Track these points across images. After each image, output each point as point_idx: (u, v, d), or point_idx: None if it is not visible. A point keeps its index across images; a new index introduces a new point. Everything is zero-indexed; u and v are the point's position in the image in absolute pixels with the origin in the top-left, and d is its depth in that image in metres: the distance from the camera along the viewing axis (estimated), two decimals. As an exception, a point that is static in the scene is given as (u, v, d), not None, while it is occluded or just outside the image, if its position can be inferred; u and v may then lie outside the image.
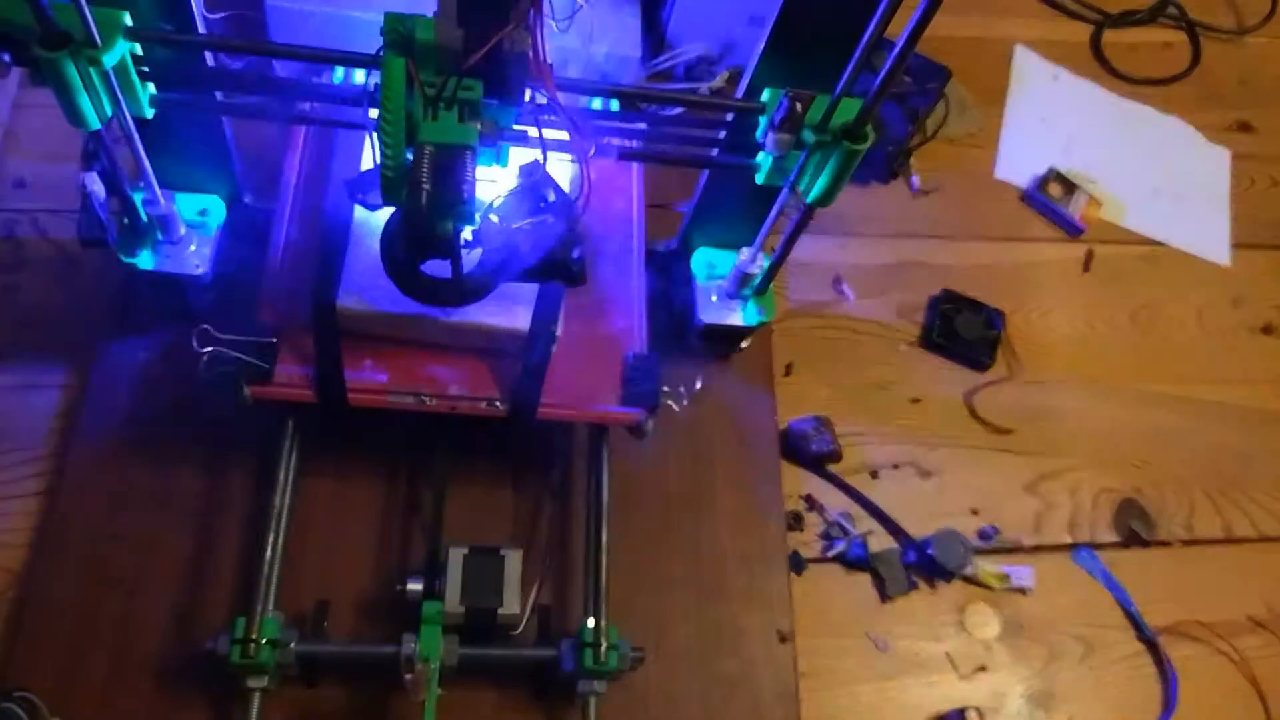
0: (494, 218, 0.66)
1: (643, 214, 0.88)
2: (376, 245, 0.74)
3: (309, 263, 0.76)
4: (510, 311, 0.74)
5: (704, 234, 0.90)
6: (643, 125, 0.71)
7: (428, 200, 0.56)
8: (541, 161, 0.65)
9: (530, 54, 0.56)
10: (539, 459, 0.88)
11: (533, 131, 0.62)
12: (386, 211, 0.75)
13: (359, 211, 0.75)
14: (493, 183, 0.66)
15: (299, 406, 0.78)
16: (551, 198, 0.66)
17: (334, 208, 0.76)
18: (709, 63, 1.12)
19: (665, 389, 0.78)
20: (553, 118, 0.61)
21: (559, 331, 0.75)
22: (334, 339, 0.73)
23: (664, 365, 0.79)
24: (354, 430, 0.83)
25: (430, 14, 0.56)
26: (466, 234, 0.67)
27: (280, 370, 0.74)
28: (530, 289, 0.74)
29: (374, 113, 0.58)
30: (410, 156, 0.57)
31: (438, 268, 0.70)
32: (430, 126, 0.56)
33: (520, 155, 0.66)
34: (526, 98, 0.60)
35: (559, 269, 0.67)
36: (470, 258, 0.69)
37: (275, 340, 0.75)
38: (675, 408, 0.79)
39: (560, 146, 0.63)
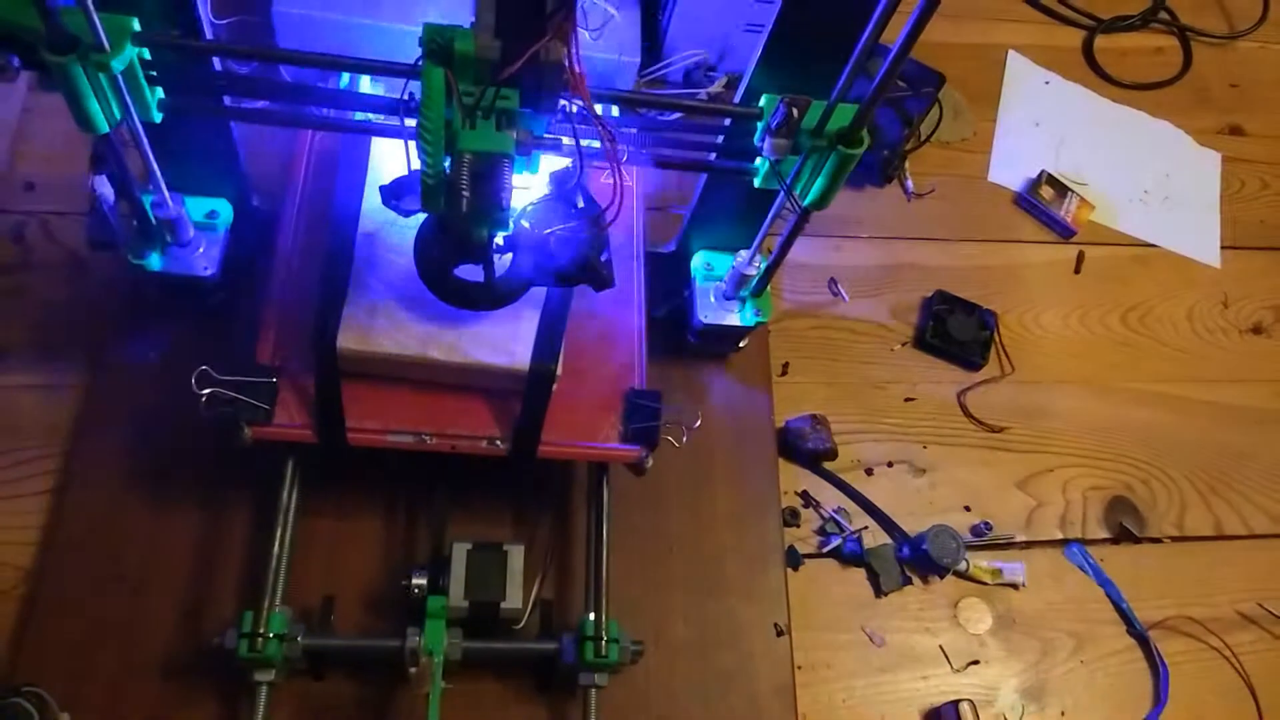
0: (525, 223, 0.67)
1: (643, 217, 0.90)
2: (378, 284, 0.75)
3: (309, 300, 0.75)
4: (510, 351, 0.75)
5: (702, 236, 0.91)
6: (657, 131, 0.72)
7: (468, 207, 0.57)
8: (575, 169, 0.66)
9: (565, 64, 0.57)
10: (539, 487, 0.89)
11: (567, 140, 0.63)
12: (391, 245, 0.76)
13: (360, 251, 0.76)
14: (525, 189, 0.67)
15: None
16: (581, 204, 0.67)
17: (335, 247, 0.76)
18: (707, 68, 1.13)
19: (666, 423, 0.79)
20: (585, 126, 0.62)
21: (559, 370, 0.75)
22: (334, 380, 0.73)
23: (663, 394, 0.80)
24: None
25: (442, 22, 0.57)
26: (498, 239, 0.68)
27: (280, 411, 0.74)
28: (529, 329, 0.75)
29: (410, 121, 0.59)
30: (448, 164, 0.58)
31: (470, 272, 0.71)
32: (469, 135, 0.57)
33: (549, 162, 0.67)
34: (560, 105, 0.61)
35: (588, 273, 0.68)
36: (501, 262, 0.70)
37: (274, 380, 0.74)
38: (676, 444, 0.79)
39: (592, 153, 0.64)
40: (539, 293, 0.76)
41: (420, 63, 0.57)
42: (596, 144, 0.63)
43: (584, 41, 0.58)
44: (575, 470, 0.88)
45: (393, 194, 0.67)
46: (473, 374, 0.76)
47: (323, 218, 0.79)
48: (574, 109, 0.62)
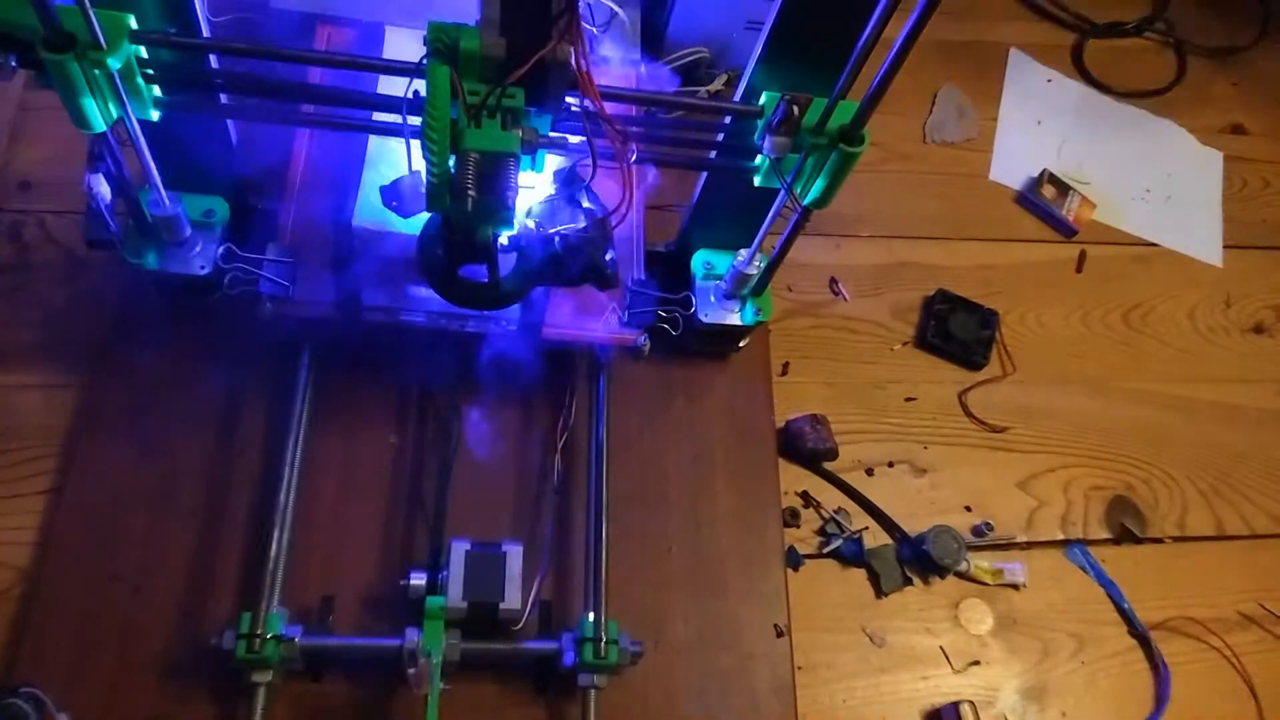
0: (530, 223, 0.67)
1: (641, 214, 0.89)
2: (390, 171, 0.77)
3: (326, 190, 0.79)
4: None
5: (702, 235, 0.91)
6: (664, 129, 0.72)
7: (474, 206, 0.57)
8: (590, 168, 0.65)
9: (571, 63, 0.57)
10: (540, 432, 0.90)
11: (573, 138, 0.63)
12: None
13: (373, 141, 0.78)
14: (530, 188, 0.67)
15: (311, 354, 0.82)
16: (586, 203, 0.67)
17: (350, 137, 0.78)
18: (707, 66, 1.13)
19: (661, 313, 0.81)
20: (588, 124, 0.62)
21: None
22: (350, 257, 0.76)
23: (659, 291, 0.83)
24: (360, 406, 0.87)
25: (440, 19, 0.57)
26: (503, 239, 0.67)
27: (299, 288, 0.77)
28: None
29: (414, 120, 0.59)
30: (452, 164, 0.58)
31: (474, 271, 0.71)
32: (474, 134, 0.57)
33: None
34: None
35: (593, 272, 0.68)
36: (505, 260, 0.70)
37: (294, 260, 0.78)
38: (672, 331, 0.82)
39: (601, 152, 0.64)
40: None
41: (424, 61, 0.57)
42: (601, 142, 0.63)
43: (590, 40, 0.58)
44: (575, 471, 0.88)
45: (392, 195, 0.67)
46: None
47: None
48: (581, 108, 0.62)
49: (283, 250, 0.79)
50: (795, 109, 0.65)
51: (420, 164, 0.62)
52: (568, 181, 0.68)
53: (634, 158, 0.64)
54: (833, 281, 1.09)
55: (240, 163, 0.83)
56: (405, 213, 0.68)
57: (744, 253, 0.85)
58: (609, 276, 0.69)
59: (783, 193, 0.72)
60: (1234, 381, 1.13)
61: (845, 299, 1.09)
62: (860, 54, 0.60)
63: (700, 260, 0.91)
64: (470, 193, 0.57)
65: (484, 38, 0.56)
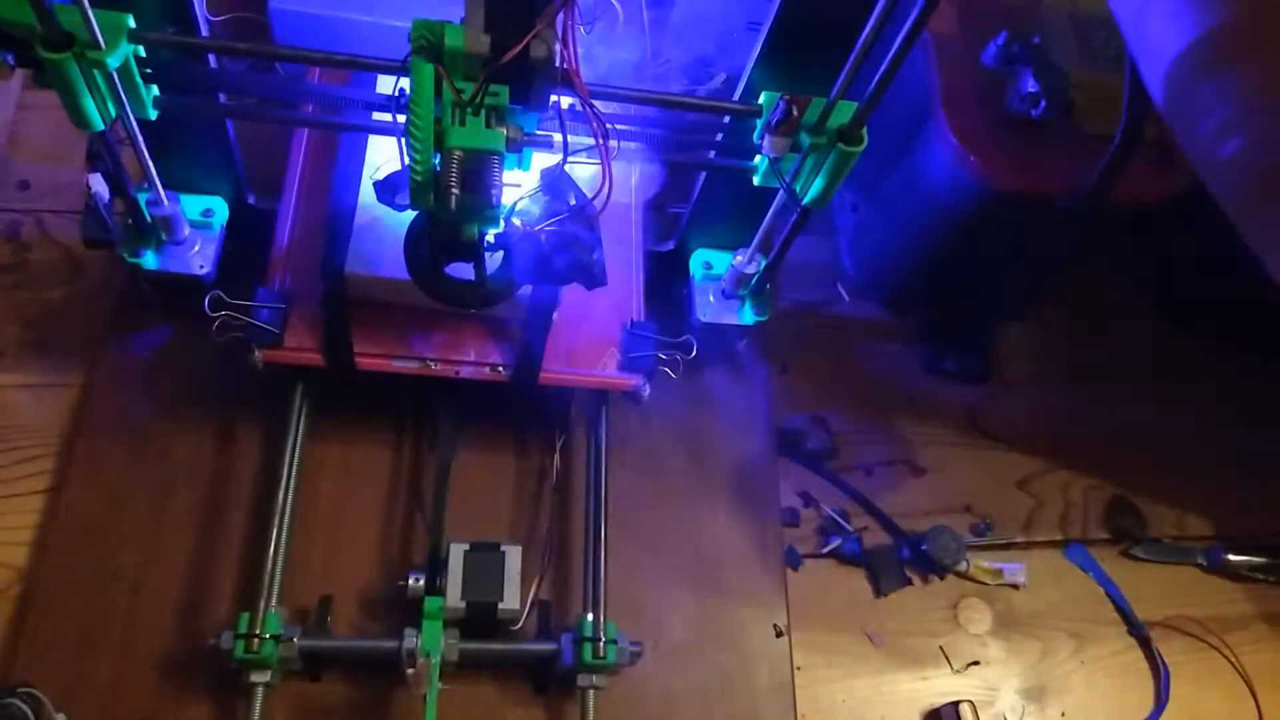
0: (516, 221, 0.67)
1: (641, 215, 0.89)
2: (384, 214, 0.76)
3: (317, 231, 0.78)
4: None
5: (701, 235, 0.91)
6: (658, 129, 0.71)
7: (457, 205, 0.57)
8: (562, 165, 0.65)
9: (558, 59, 0.56)
10: (538, 439, 0.90)
11: (557, 136, 0.62)
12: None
13: (367, 183, 0.77)
14: (516, 186, 0.67)
15: (306, 378, 0.81)
16: (573, 201, 0.67)
17: (342, 177, 0.78)
18: (706, 65, 1.13)
19: (662, 356, 0.81)
20: (574, 122, 0.62)
21: (559, 299, 0.76)
22: (342, 304, 0.75)
23: (660, 333, 0.82)
24: (358, 414, 0.87)
25: (442, 19, 0.57)
26: (489, 236, 0.67)
27: (289, 335, 0.76)
28: None
29: (400, 118, 0.59)
30: (437, 161, 0.58)
31: (461, 270, 0.71)
32: (458, 132, 0.57)
33: (541, 159, 0.67)
34: (551, 101, 0.61)
35: (581, 271, 0.68)
36: (492, 260, 0.70)
37: (284, 306, 0.77)
38: (673, 375, 0.81)
39: (584, 147, 0.64)
40: None
41: (409, 58, 0.57)
42: (589, 140, 0.62)
43: (583, 38, 0.57)
44: (574, 470, 0.88)
45: (387, 189, 0.66)
46: None
47: (330, 163, 0.81)
48: (565, 105, 0.61)
49: (272, 294, 0.77)
50: (794, 109, 0.65)
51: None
52: (554, 179, 0.67)
53: (615, 154, 0.63)
54: (833, 281, 1.09)
55: (239, 162, 0.83)
56: (399, 207, 0.68)
57: (744, 252, 0.85)
58: (596, 275, 0.69)
59: (782, 192, 0.71)
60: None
61: (845, 298, 1.08)
62: (860, 54, 0.60)
63: (700, 260, 0.91)
64: (454, 190, 0.56)
65: (468, 34, 0.56)
